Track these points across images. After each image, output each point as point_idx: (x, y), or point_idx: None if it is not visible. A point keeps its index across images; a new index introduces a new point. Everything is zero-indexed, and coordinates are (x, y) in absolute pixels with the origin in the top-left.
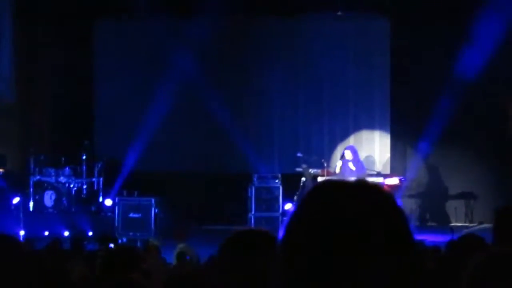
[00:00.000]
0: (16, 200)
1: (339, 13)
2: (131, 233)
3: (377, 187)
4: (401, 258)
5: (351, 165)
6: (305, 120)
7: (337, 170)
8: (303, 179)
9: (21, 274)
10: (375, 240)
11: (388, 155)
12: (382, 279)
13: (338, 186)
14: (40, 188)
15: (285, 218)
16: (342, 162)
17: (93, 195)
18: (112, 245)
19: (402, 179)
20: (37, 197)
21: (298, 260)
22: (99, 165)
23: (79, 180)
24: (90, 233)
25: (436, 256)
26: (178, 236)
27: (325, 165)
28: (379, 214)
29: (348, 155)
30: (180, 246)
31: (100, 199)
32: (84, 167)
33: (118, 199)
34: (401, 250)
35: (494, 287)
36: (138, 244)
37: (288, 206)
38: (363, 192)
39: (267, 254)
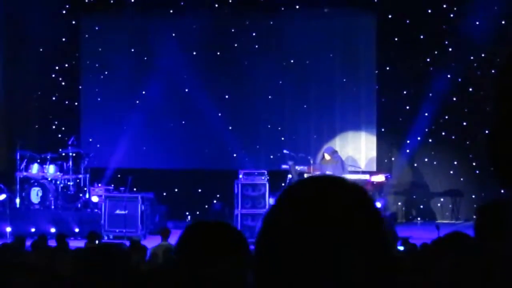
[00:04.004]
0: (2, 196)
1: (326, 9)
2: (117, 230)
3: (351, 182)
4: (378, 251)
5: (330, 166)
6: (292, 117)
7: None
8: (289, 176)
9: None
10: (355, 229)
11: (374, 152)
12: (361, 271)
13: (314, 181)
14: (27, 184)
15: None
16: (321, 164)
17: (79, 191)
18: (97, 242)
19: (388, 176)
20: (23, 193)
21: (278, 252)
22: (86, 162)
23: (66, 177)
24: (77, 230)
25: (424, 253)
26: (163, 234)
27: (311, 162)
28: (358, 207)
29: (327, 157)
30: (164, 244)
31: (87, 196)
32: (70, 163)
33: (104, 196)
34: (377, 242)
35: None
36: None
37: None
38: (336, 186)
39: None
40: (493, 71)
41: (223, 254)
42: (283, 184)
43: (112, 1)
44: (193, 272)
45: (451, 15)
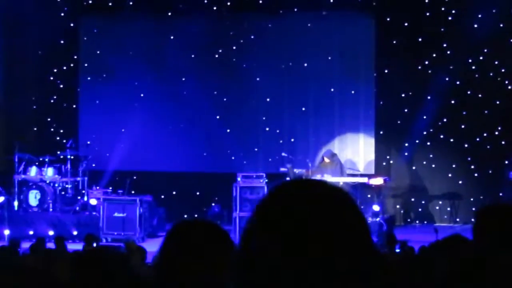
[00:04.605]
0: (0, 199)
1: (324, 12)
2: (115, 233)
3: (332, 185)
4: (362, 257)
5: (328, 169)
6: (290, 120)
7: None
8: (288, 179)
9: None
10: (334, 238)
11: (372, 155)
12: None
13: (294, 187)
14: (25, 187)
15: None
16: (320, 167)
17: (77, 194)
18: (95, 245)
19: (386, 179)
20: (21, 196)
21: (259, 260)
22: (84, 164)
23: (64, 180)
24: (75, 233)
25: (422, 256)
26: None
27: (310, 165)
28: (339, 211)
29: (326, 160)
30: None
31: (85, 199)
32: (69, 166)
33: (103, 199)
34: (361, 247)
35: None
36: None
37: None
38: (318, 191)
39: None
40: (491, 73)
41: (214, 252)
42: None
43: (110, 4)
44: (191, 272)
45: (450, 18)
